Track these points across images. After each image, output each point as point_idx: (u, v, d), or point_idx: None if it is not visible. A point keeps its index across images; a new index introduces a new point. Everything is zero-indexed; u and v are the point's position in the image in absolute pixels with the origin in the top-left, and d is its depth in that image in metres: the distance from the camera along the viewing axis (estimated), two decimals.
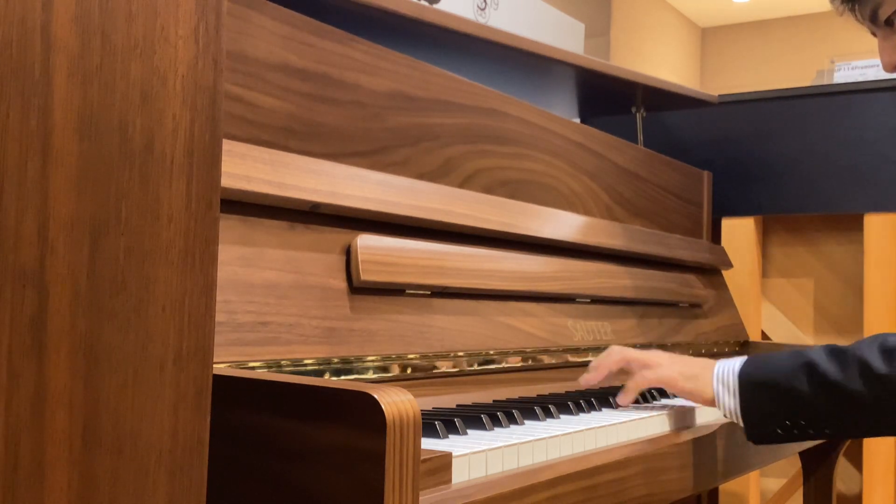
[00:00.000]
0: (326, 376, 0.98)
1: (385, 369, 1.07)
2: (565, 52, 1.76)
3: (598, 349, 1.50)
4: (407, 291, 1.14)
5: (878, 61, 1.30)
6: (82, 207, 0.51)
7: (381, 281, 1.08)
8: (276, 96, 1.03)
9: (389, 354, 1.07)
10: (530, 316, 1.37)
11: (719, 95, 2.27)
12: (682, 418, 1.23)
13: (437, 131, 1.29)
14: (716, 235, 2.31)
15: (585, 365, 1.46)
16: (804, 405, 1.11)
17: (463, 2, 3.80)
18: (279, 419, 0.68)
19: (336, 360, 0.99)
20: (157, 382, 0.55)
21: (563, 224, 1.53)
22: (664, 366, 1.23)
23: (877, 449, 2.09)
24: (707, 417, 1.29)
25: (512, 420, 1.01)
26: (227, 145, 0.94)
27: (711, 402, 1.18)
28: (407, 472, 0.66)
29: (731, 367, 1.17)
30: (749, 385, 1.14)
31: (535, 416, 1.05)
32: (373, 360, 1.05)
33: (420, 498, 0.69)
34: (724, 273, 2.17)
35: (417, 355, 1.12)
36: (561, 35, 4.58)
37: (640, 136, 2.20)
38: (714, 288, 2.07)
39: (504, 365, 1.28)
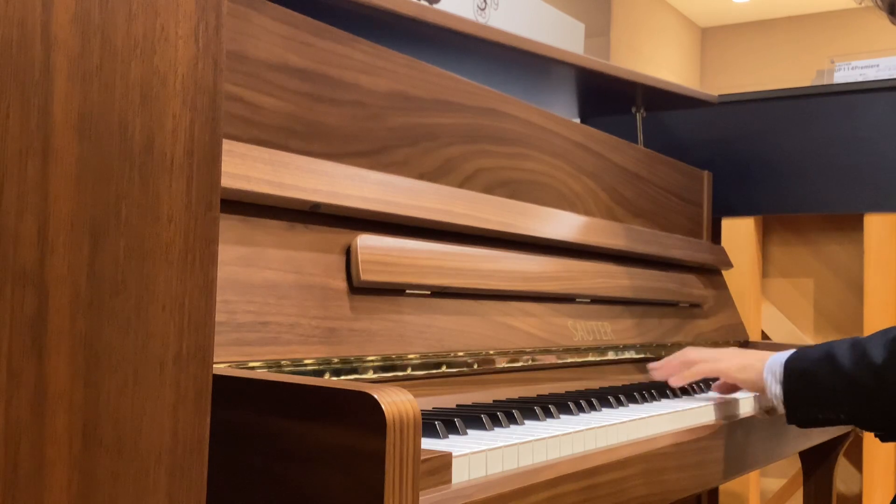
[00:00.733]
0: (326, 376, 0.98)
1: (385, 369, 1.07)
2: (565, 52, 1.76)
3: (598, 349, 1.50)
4: (407, 291, 1.14)
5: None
6: (82, 207, 0.51)
7: (381, 281, 1.08)
8: (276, 96, 1.03)
9: (389, 354, 1.07)
10: (530, 316, 1.37)
11: (719, 95, 2.27)
12: (683, 419, 1.23)
13: (437, 131, 1.29)
14: (716, 235, 2.31)
15: (585, 365, 1.46)
16: (826, 394, 1.21)
17: (463, 2, 3.80)
18: (279, 419, 0.68)
19: (336, 360, 1.00)
20: (157, 382, 0.55)
21: (563, 224, 1.53)
22: (722, 360, 1.36)
23: (877, 449, 2.09)
24: (707, 418, 1.29)
25: (512, 420, 1.01)
26: (227, 145, 0.94)
27: (763, 391, 1.29)
28: (407, 472, 0.66)
29: (781, 358, 1.27)
30: (790, 374, 1.24)
31: (535, 416, 1.05)
32: (373, 360, 1.05)
33: (420, 498, 0.69)
34: (724, 273, 2.17)
35: (417, 355, 1.12)
36: (561, 35, 4.58)
37: (640, 136, 2.20)
38: (714, 288, 2.07)
39: (504, 365, 1.28)
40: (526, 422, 1.03)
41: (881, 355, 1.15)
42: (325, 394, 0.67)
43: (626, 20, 6.93)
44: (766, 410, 1.35)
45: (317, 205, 1.03)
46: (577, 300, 1.51)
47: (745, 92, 2.38)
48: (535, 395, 1.26)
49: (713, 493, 2.24)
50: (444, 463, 0.77)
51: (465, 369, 1.20)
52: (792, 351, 1.28)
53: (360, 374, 1.03)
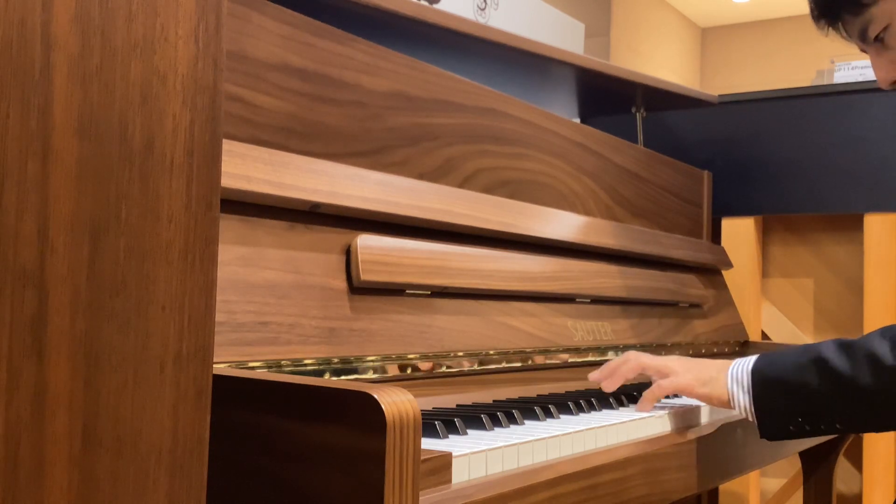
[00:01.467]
0: (326, 376, 0.98)
1: (385, 369, 1.07)
2: (565, 52, 1.76)
3: (598, 349, 1.50)
4: (407, 291, 1.14)
5: None
6: (82, 207, 0.51)
7: (381, 281, 1.08)
8: (276, 96, 1.03)
9: (389, 354, 1.07)
10: (530, 316, 1.37)
11: (719, 95, 2.27)
12: (683, 418, 1.23)
13: (437, 131, 1.29)
14: (716, 235, 2.31)
15: (585, 365, 1.46)
16: (815, 401, 1.12)
17: (463, 2, 3.80)
18: (279, 419, 0.68)
19: (336, 360, 0.99)
20: (157, 382, 0.55)
21: (563, 224, 1.53)
22: (680, 373, 1.23)
23: (877, 449, 2.09)
24: (707, 417, 1.29)
25: (512, 420, 1.01)
26: (227, 145, 0.94)
27: (727, 404, 1.19)
28: (407, 472, 0.66)
29: (744, 365, 1.17)
30: (761, 382, 1.15)
31: (535, 416, 1.05)
32: (373, 360, 1.05)
33: (420, 498, 0.69)
34: (724, 273, 2.17)
35: (417, 355, 1.12)
36: (561, 35, 4.58)
37: (640, 136, 2.20)
38: (714, 288, 2.07)
39: (504, 365, 1.28)
40: (526, 422, 1.03)
41: (892, 355, 1.07)
42: (326, 394, 0.67)
43: (626, 20, 6.93)
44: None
45: (317, 205, 1.03)
46: (577, 300, 1.51)
47: (745, 92, 2.38)
48: (535, 395, 1.26)
49: (713, 493, 2.24)
50: (444, 463, 0.77)
51: (465, 369, 1.20)
52: (753, 357, 1.18)
53: (361, 374, 1.03)
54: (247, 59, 1.00)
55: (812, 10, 1.30)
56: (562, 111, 2.23)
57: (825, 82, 3.56)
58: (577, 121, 2.25)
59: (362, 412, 0.65)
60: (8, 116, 0.48)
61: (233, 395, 0.70)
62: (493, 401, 1.19)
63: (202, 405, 0.58)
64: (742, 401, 1.16)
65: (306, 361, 0.96)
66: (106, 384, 0.52)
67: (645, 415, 1.16)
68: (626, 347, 1.58)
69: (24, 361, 0.48)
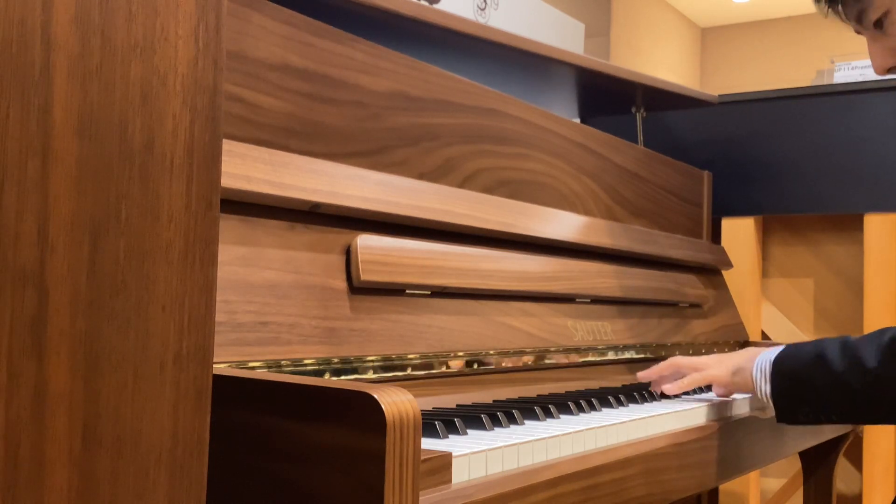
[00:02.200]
0: (326, 376, 0.98)
1: (385, 369, 1.07)
2: (565, 52, 1.76)
3: (598, 349, 1.50)
4: (407, 291, 1.14)
5: None
6: (82, 207, 0.51)
7: (381, 281, 1.08)
8: (276, 96, 1.03)
9: (389, 354, 1.07)
10: (530, 316, 1.37)
11: (719, 95, 2.27)
12: (682, 419, 1.23)
13: (437, 131, 1.29)
14: (716, 235, 2.31)
15: (585, 365, 1.46)
16: (818, 395, 1.21)
17: (463, 2, 3.80)
18: (279, 419, 0.68)
19: (336, 360, 0.99)
20: (157, 382, 0.55)
21: (563, 224, 1.53)
22: (712, 366, 1.35)
23: (877, 449, 2.09)
24: (707, 417, 1.29)
25: (512, 420, 1.01)
26: (227, 145, 0.94)
27: (753, 391, 1.29)
28: (407, 472, 0.66)
29: (769, 355, 1.27)
30: (779, 373, 1.24)
31: (535, 416, 1.05)
32: (373, 360, 1.05)
33: (420, 498, 0.69)
34: (724, 273, 2.17)
35: (417, 355, 1.11)
36: (561, 35, 4.59)
37: (640, 136, 2.20)
38: (714, 288, 2.07)
39: (504, 365, 1.28)
40: (526, 422, 1.03)
41: (874, 359, 1.15)
42: (326, 394, 0.67)
43: (626, 20, 6.93)
44: (760, 409, 1.34)
45: (317, 205, 1.03)
46: (577, 300, 1.51)
47: (745, 92, 2.38)
48: (535, 395, 1.26)
49: (713, 493, 2.24)
50: (444, 463, 0.77)
51: (465, 369, 1.20)
52: (780, 348, 1.27)
53: (360, 374, 1.03)
54: (247, 59, 1.00)
55: None
56: (562, 111, 2.23)
57: (825, 82, 3.56)
58: (577, 121, 2.25)
59: (362, 412, 0.65)
60: (8, 116, 0.48)
61: (233, 395, 0.70)
62: (493, 401, 1.19)
63: (202, 405, 0.58)
64: (764, 389, 1.26)
65: (306, 361, 0.96)
66: (106, 384, 0.52)
67: (644, 415, 1.16)
68: (626, 347, 1.58)
69: (24, 361, 0.48)
